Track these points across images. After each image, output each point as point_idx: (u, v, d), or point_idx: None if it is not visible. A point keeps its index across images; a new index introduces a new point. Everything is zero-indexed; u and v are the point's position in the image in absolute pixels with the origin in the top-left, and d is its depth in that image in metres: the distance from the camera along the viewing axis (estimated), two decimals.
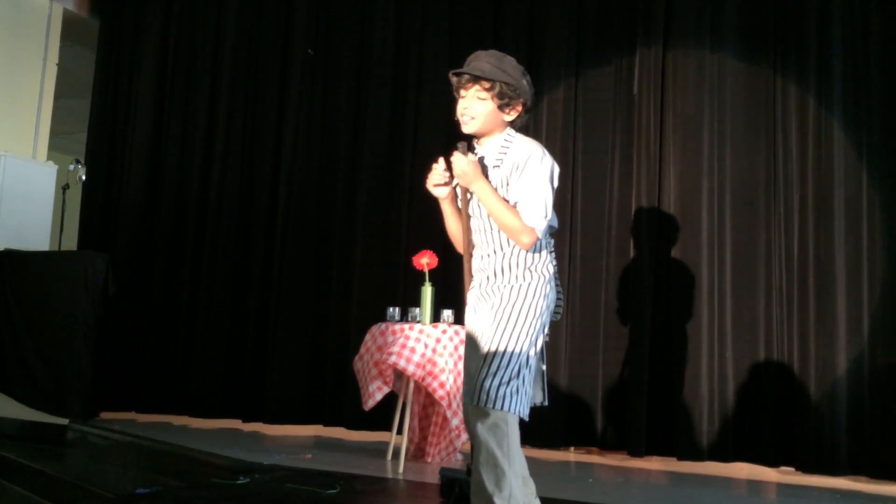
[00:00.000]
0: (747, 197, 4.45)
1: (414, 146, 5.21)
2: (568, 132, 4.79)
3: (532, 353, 2.35)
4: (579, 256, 4.72)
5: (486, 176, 2.41)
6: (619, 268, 4.64)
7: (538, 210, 2.34)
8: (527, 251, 2.40)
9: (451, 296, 4.55)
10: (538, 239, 2.37)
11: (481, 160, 2.44)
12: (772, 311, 4.31)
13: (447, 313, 4.15)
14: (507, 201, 2.37)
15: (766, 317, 4.32)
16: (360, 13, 5.54)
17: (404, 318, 4.25)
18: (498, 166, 2.42)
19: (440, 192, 2.53)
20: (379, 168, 5.30)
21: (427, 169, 2.54)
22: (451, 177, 2.48)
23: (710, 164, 4.49)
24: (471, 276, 2.56)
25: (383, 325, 4.14)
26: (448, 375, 3.91)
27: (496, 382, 2.26)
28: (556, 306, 2.50)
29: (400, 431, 4.11)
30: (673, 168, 4.57)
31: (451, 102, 2.51)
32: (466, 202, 2.50)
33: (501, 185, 2.40)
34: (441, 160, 2.52)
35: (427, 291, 4.18)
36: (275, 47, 5.76)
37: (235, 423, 5.39)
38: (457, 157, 2.40)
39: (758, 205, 4.42)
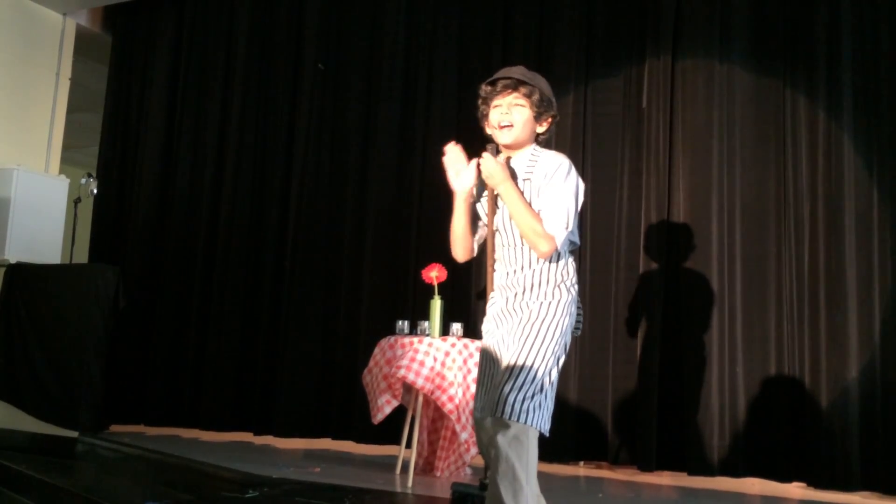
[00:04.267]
0: (757, 210, 4.43)
1: (423, 159, 5.22)
2: (577, 145, 4.79)
3: (555, 370, 2.34)
4: (588, 270, 4.70)
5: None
6: (629, 281, 4.63)
7: (560, 220, 2.34)
8: (544, 260, 2.39)
9: (460, 309, 4.56)
10: (556, 249, 2.36)
11: (511, 172, 2.44)
12: (783, 325, 4.29)
13: (456, 327, 4.15)
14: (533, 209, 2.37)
15: (777, 330, 4.30)
16: (370, 27, 5.57)
17: (413, 331, 4.25)
18: (528, 179, 2.42)
19: (463, 182, 2.44)
20: (388, 181, 5.32)
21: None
22: (477, 175, 2.44)
23: (720, 176, 4.48)
24: (493, 287, 2.54)
25: (392, 339, 4.14)
26: (457, 389, 3.90)
27: (520, 396, 2.23)
28: (577, 322, 2.50)
29: (409, 445, 4.10)
30: (682, 181, 4.56)
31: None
32: (493, 214, 2.48)
33: (534, 197, 2.40)
34: (453, 144, 2.47)
35: (436, 305, 4.18)
36: (286, 61, 5.79)
37: (247, 437, 5.39)
38: (486, 158, 2.40)
39: (768, 218, 4.40)
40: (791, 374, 4.22)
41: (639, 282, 4.58)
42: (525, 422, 2.21)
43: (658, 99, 4.65)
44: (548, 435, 2.30)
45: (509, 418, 2.21)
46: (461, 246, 2.55)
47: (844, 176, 4.20)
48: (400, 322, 4.30)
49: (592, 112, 4.85)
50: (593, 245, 4.73)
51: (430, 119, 5.26)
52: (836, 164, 4.23)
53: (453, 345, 4.01)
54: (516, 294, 2.44)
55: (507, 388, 2.25)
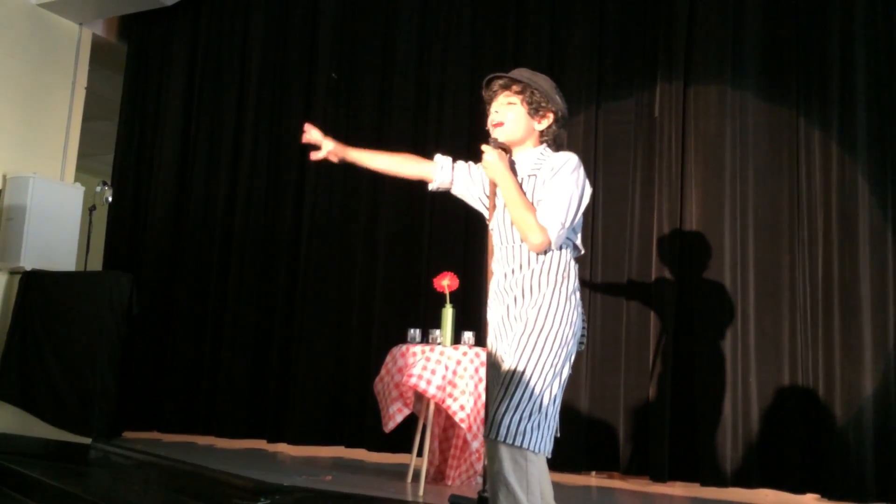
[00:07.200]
0: (770, 219, 4.41)
1: None
2: (588, 154, 4.77)
3: (556, 384, 2.25)
4: (600, 279, 4.69)
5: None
6: (641, 290, 4.61)
7: (557, 213, 2.28)
8: (542, 259, 2.33)
9: (472, 318, 4.55)
10: (549, 242, 2.29)
11: (514, 168, 2.42)
12: (796, 335, 4.26)
13: (468, 335, 4.15)
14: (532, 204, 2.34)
15: (791, 341, 4.27)
16: (383, 39, 5.59)
17: (425, 339, 4.24)
18: (534, 175, 2.38)
19: (327, 151, 2.66)
20: (400, 190, 5.32)
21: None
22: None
23: (733, 186, 4.46)
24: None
25: (404, 347, 4.14)
26: (468, 398, 3.90)
27: (517, 417, 2.15)
28: (581, 335, 2.41)
29: (420, 454, 4.09)
30: (695, 190, 4.54)
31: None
32: (493, 211, 2.46)
33: (539, 191, 2.35)
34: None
35: (448, 313, 4.18)
36: (299, 71, 5.83)
37: (260, 444, 5.40)
38: (486, 148, 2.41)
39: (781, 227, 4.38)
40: (805, 385, 4.19)
41: (651, 291, 4.57)
42: (521, 444, 2.13)
43: (670, 109, 4.64)
44: (549, 456, 2.23)
45: (504, 441, 2.14)
46: (401, 173, 2.76)
47: (858, 185, 4.17)
48: (411, 330, 4.29)
49: (604, 121, 4.84)
50: (605, 253, 4.72)
51: (442, 130, 5.26)
52: (850, 173, 4.20)
53: (465, 353, 4.01)
54: (515, 298, 2.35)
55: (502, 408, 2.17)
